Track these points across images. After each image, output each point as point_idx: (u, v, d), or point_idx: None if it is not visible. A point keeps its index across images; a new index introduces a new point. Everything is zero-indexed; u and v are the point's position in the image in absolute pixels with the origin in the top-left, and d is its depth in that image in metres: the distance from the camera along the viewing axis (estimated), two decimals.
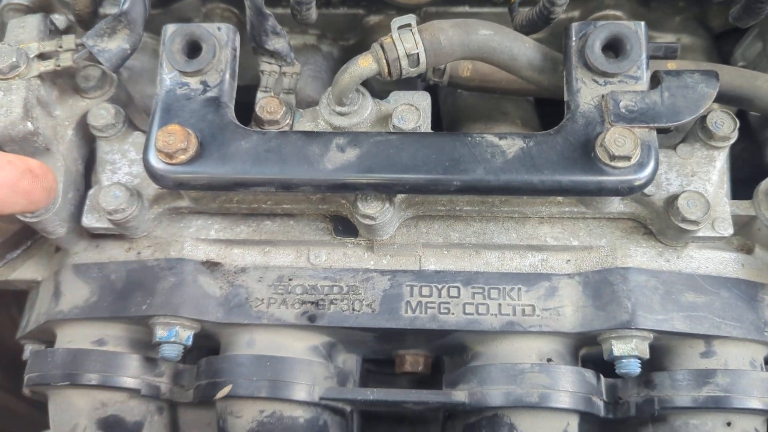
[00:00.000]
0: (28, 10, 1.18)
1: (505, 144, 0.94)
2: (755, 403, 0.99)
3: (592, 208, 1.04)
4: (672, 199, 0.99)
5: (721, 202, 1.02)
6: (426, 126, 1.02)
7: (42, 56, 1.02)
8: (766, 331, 1.02)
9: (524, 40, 1.01)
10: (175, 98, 0.99)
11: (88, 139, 1.11)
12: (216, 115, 0.98)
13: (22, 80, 1.00)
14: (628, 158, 0.90)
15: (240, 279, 1.07)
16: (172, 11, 1.24)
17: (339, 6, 1.29)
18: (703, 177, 1.02)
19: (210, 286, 1.07)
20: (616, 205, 1.04)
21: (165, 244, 1.09)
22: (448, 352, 1.16)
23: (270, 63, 1.10)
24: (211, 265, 1.08)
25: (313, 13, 1.14)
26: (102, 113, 1.06)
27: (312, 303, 1.05)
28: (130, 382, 1.09)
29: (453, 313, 1.04)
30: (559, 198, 1.04)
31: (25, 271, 1.20)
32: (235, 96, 1.02)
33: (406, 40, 0.94)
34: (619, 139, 0.90)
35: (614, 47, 0.97)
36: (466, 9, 1.26)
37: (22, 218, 1.03)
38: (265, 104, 1.03)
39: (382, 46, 0.94)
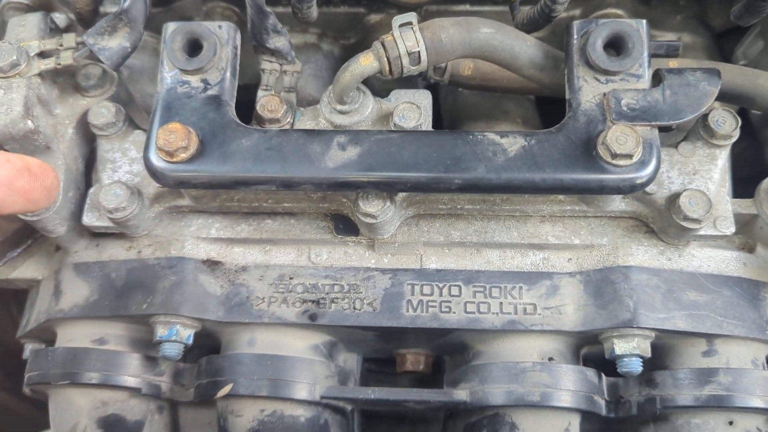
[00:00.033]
0: (29, 8, 1.17)
1: (506, 142, 0.94)
2: (757, 402, 0.99)
3: (594, 206, 1.04)
4: (674, 198, 0.99)
5: (722, 201, 1.01)
6: (427, 124, 1.02)
7: (42, 54, 1.02)
8: None
9: (525, 38, 1.00)
10: (176, 96, 0.98)
11: (88, 137, 1.11)
12: (217, 113, 0.98)
13: (23, 78, 1.00)
14: (630, 156, 0.90)
15: (241, 278, 1.07)
16: (173, 10, 1.24)
17: (340, 4, 1.29)
18: (704, 175, 1.02)
19: (211, 284, 1.06)
20: (618, 203, 1.04)
21: (165, 242, 1.08)
22: (449, 351, 1.16)
23: (271, 61, 1.09)
24: (212, 264, 1.08)
25: (314, 12, 1.13)
26: (102, 112, 1.06)
27: (313, 302, 1.05)
28: (130, 381, 1.09)
29: (454, 312, 1.03)
30: (561, 196, 1.04)
31: (26, 269, 1.20)
32: (236, 94, 1.02)
33: (408, 38, 0.94)
34: (620, 137, 0.90)
35: (616, 45, 0.97)
36: (467, 7, 1.25)
37: (22, 217, 1.03)
38: (266, 103, 1.02)
39: (383, 44, 0.94)
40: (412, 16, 0.95)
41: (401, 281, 1.05)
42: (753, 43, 1.22)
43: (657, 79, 0.96)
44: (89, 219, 1.06)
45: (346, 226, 1.08)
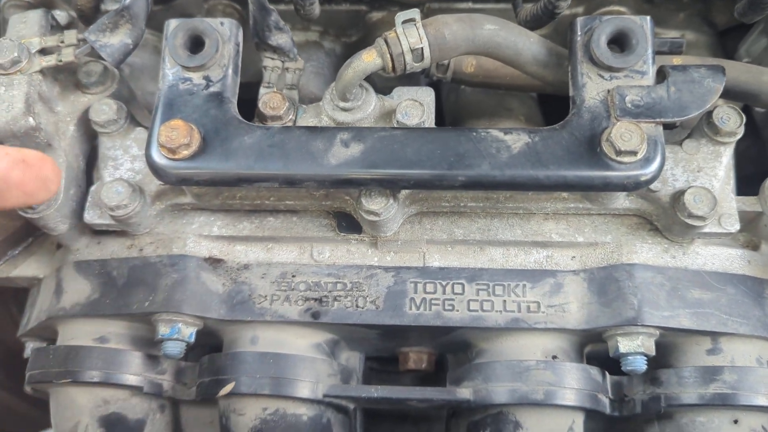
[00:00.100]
0: (30, 5, 1.17)
1: (510, 139, 0.94)
2: (762, 401, 0.99)
3: (598, 204, 1.04)
4: (678, 195, 0.98)
5: (727, 198, 1.01)
6: (430, 122, 1.02)
7: (44, 51, 1.02)
8: None
9: (529, 35, 1.00)
10: (178, 93, 0.98)
11: (89, 135, 1.10)
12: (219, 110, 0.97)
13: (24, 75, 0.99)
14: (635, 153, 0.90)
15: (243, 276, 1.07)
16: (174, 7, 1.24)
17: (342, 2, 1.28)
18: (709, 173, 1.01)
19: (213, 282, 1.06)
20: (622, 201, 1.03)
21: (167, 240, 1.08)
22: (452, 350, 1.16)
23: (273, 58, 1.09)
24: (214, 262, 1.07)
25: (316, 9, 1.13)
26: (104, 109, 1.06)
27: (315, 300, 1.05)
28: (132, 379, 1.08)
29: (457, 310, 1.03)
30: (564, 194, 1.04)
31: (27, 268, 1.20)
32: (238, 91, 1.02)
33: (411, 35, 0.93)
34: (625, 134, 0.90)
35: (620, 42, 0.96)
36: (470, 5, 1.25)
37: (23, 214, 1.03)
38: (268, 100, 1.02)
39: (386, 41, 0.94)
40: (415, 13, 0.94)
41: (404, 279, 1.05)
42: (756, 41, 1.22)
43: (661, 75, 0.96)
44: (91, 217, 1.06)
45: (348, 223, 1.08)
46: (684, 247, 1.04)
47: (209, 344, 1.14)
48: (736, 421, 1.01)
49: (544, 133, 0.94)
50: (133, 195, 1.02)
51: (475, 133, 0.94)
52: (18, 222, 1.14)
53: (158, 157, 0.94)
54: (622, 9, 1.23)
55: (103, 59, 1.01)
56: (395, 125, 1.00)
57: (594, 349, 1.09)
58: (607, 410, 1.05)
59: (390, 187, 0.97)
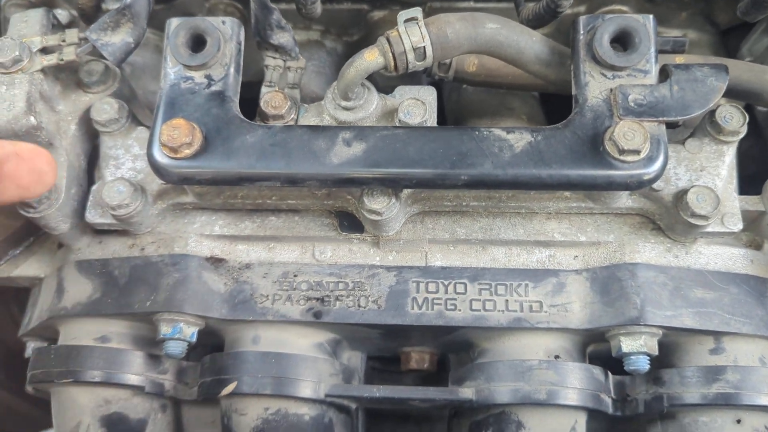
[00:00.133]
0: (31, 4, 1.17)
1: (512, 138, 0.93)
2: (765, 400, 0.98)
3: (600, 203, 1.03)
4: (681, 194, 0.98)
5: (730, 198, 1.01)
6: (432, 121, 1.02)
7: (45, 50, 1.02)
8: None
9: (531, 34, 1.00)
10: (180, 92, 0.98)
11: (91, 134, 1.10)
12: (221, 109, 0.97)
13: (25, 74, 0.99)
14: (638, 152, 0.90)
15: (245, 275, 1.06)
16: (176, 6, 1.23)
17: (343, 1, 1.28)
18: (712, 172, 1.01)
19: (214, 282, 1.06)
20: (624, 200, 1.03)
21: (169, 239, 1.08)
22: (454, 349, 1.16)
23: (274, 57, 1.09)
24: (216, 261, 1.07)
25: (318, 8, 1.13)
26: (105, 108, 1.06)
27: (317, 299, 1.05)
28: (133, 379, 1.08)
29: (460, 310, 1.03)
30: (567, 193, 1.03)
31: (28, 267, 1.19)
32: (239, 90, 1.01)
33: (413, 34, 0.93)
34: (628, 133, 0.89)
35: (622, 41, 0.96)
36: (471, 4, 1.25)
37: (24, 214, 1.02)
38: (270, 99, 1.02)
39: (388, 40, 0.94)
40: (417, 12, 0.94)
41: (406, 279, 1.05)
42: (759, 40, 1.22)
43: (664, 74, 0.96)
44: (92, 216, 1.05)
45: (350, 223, 1.08)
46: (687, 246, 1.04)
47: (211, 344, 1.14)
48: (739, 421, 1.01)
49: (546, 132, 0.93)
50: (134, 194, 1.02)
51: (477, 132, 0.94)
52: (19, 221, 1.13)
53: (160, 156, 0.94)
54: (624, 8, 1.23)
55: (104, 58, 1.01)
56: (397, 124, 1.00)
57: (596, 348, 1.09)
58: (610, 410, 1.05)
59: (392, 186, 0.97)
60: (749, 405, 0.99)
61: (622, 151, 0.89)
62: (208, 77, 0.99)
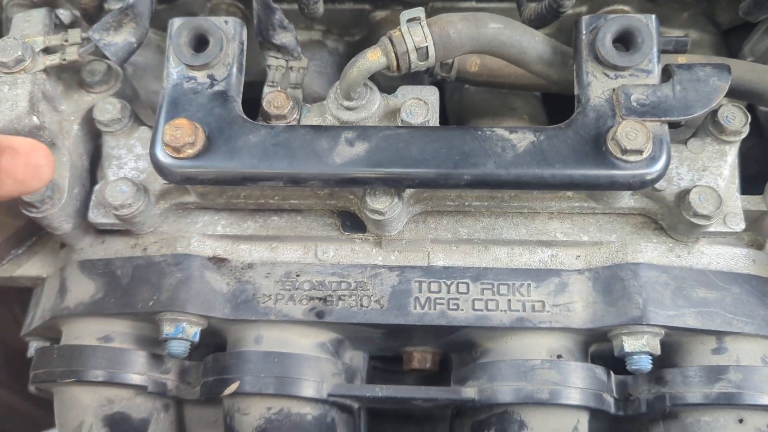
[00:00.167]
0: (33, 4, 1.17)
1: (515, 138, 0.93)
2: (767, 400, 0.98)
3: (602, 203, 1.03)
4: (683, 194, 0.98)
5: (732, 197, 1.01)
6: (434, 120, 1.02)
7: (47, 50, 1.02)
8: None
9: (534, 34, 1.00)
10: (182, 92, 0.98)
11: (93, 134, 1.10)
12: (223, 109, 0.97)
13: (28, 74, 0.99)
14: (640, 152, 0.90)
15: (247, 275, 1.06)
16: (178, 6, 1.23)
17: (345, 1, 1.28)
18: (714, 172, 1.01)
19: (217, 282, 1.06)
20: (627, 200, 1.03)
21: (171, 239, 1.08)
22: (457, 349, 1.16)
23: (277, 57, 1.09)
24: (218, 261, 1.07)
25: (320, 8, 1.13)
26: (108, 108, 1.06)
27: (320, 299, 1.05)
28: (136, 378, 1.08)
29: (462, 309, 1.03)
30: (569, 193, 1.03)
31: (30, 267, 1.20)
32: (242, 90, 1.01)
33: (415, 34, 0.93)
34: (631, 133, 0.89)
35: (625, 40, 0.96)
36: (473, 4, 1.25)
37: (27, 213, 1.02)
38: (272, 99, 1.02)
39: (390, 40, 0.94)
40: (419, 11, 0.94)
41: (409, 278, 1.05)
42: (761, 39, 1.21)
43: (666, 74, 0.96)
44: (95, 216, 1.05)
45: (353, 223, 1.08)
46: (689, 246, 1.04)
47: (213, 344, 1.14)
48: (741, 421, 1.01)
49: (549, 131, 0.93)
50: (137, 194, 1.02)
51: (480, 132, 0.94)
52: (21, 221, 1.13)
53: (163, 156, 0.94)
54: (626, 8, 1.23)
55: (107, 58, 1.01)
56: (400, 124, 1.00)
57: (599, 348, 1.09)
58: (612, 410, 1.05)
59: (395, 186, 0.97)
60: (751, 404, 0.99)
61: (624, 151, 0.89)
62: (211, 77, 0.99)
